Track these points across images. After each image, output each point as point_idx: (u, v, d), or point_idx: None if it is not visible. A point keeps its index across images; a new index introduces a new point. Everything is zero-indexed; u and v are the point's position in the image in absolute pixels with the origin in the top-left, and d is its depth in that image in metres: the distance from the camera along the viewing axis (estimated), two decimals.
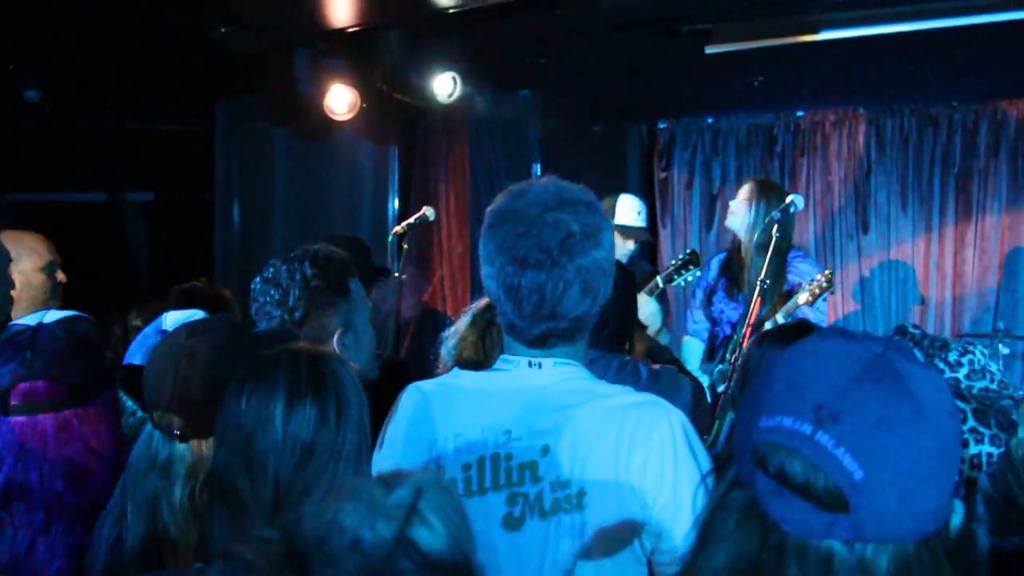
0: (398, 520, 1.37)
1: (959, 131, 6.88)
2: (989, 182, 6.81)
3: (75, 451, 2.26)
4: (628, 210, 5.38)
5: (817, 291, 4.56)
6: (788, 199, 4.58)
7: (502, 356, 2.06)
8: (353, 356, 2.73)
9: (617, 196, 5.46)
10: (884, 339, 1.21)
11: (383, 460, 2.11)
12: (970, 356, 2.21)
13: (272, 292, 2.76)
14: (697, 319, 5.41)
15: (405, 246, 5.40)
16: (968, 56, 5.64)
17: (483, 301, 2.71)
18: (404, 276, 5.30)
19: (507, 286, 1.94)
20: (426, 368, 2.92)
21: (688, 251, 5.33)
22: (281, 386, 1.76)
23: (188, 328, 2.23)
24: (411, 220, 5.32)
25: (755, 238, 4.83)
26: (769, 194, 4.96)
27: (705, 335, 5.38)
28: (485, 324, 2.71)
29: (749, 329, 4.28)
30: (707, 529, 1.26)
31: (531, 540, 1.92)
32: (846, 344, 1.21)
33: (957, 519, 1.21)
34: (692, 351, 5.44)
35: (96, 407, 2.34)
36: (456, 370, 2.14)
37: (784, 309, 4.60)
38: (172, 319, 2.97)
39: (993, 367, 2.62)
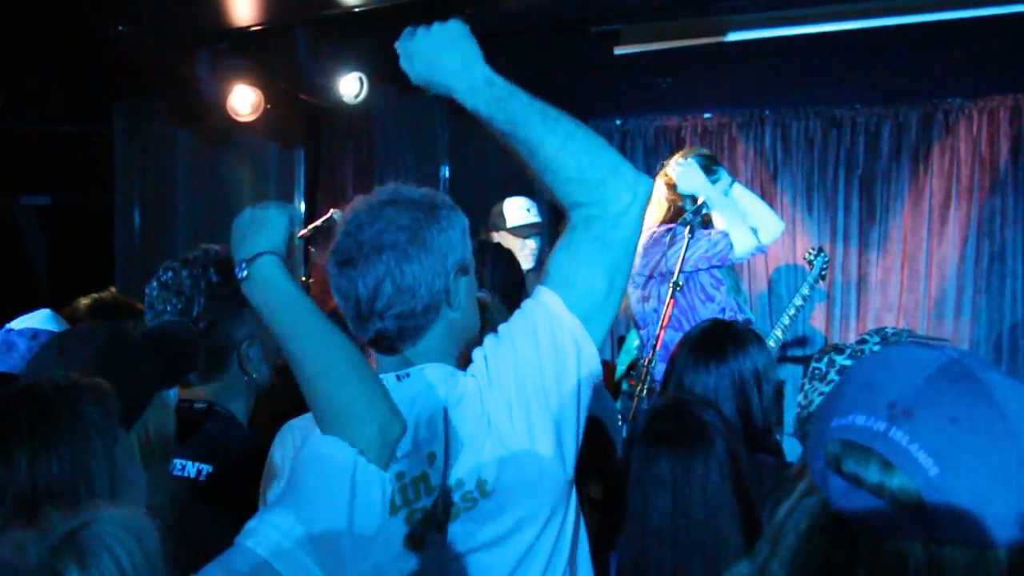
0: None
1: (862, 133, 7.00)
2: (892, 184, 6.94)
3: None
4: (516, 210, 5.32)
5: None
6: (700, 199, 4.51)
7: None
8: (256, 369, 2.63)
9: (503, 202, 5.39)
10: (961, 349, 1.19)
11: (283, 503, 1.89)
12: None
13: (173, 300, 2.54)
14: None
15: (312, 249, 5.30)
16: (871, 59, 5.73)
17: None
18: (311, 280, 5.20)
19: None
20: None
21: None
22: None
23: (67, 333, 2.17)
24: (318, 223, 5.18)
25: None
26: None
27: None
28: None
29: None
30: (779, 535, 1.23)
31: (439, 552, 1.84)
32: (920, 350, 1.20)
33: None
34: None
35: None
36: None
37: None
38: (19, 322, 2.89)
39: None
